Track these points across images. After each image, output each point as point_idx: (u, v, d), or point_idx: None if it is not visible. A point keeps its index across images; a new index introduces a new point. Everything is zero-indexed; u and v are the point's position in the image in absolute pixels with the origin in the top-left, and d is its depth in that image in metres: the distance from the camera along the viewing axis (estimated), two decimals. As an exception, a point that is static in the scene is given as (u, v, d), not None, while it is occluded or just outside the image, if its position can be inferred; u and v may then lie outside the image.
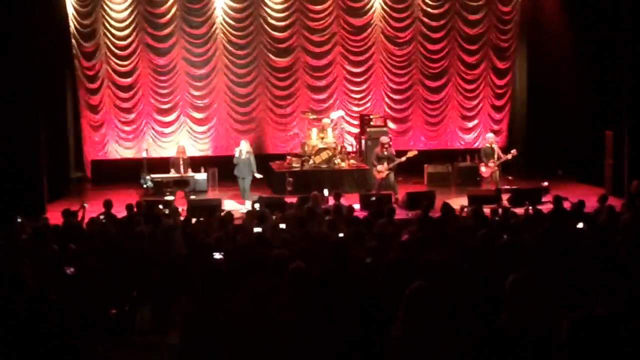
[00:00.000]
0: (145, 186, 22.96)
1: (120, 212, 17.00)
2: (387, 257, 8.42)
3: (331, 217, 14.99)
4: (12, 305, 7.65)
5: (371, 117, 25.69)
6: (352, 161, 24.65)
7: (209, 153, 26.87)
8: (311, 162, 23.91)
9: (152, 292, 10.17)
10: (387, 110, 27.55)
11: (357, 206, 18.89)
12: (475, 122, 28.21)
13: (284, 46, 27.08)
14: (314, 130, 24.53)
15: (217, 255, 10.47)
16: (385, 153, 21.73)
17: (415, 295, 6.05)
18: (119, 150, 26.62)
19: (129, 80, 26.43)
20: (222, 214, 16.47)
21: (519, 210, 16.53)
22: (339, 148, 24.38)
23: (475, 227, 13.09)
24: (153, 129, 26.77)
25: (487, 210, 15.51)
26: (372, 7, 27.28)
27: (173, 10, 26.29)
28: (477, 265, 8.84)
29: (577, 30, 24.95)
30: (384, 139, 22.08)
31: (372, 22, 27.39)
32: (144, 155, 24.13)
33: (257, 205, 18.28)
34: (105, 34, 26.04)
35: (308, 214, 15.08)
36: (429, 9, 27.46)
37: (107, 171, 26.12)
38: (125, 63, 26.32)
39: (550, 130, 26.98)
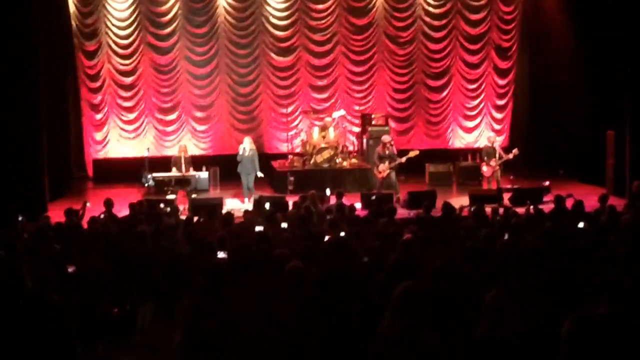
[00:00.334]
0: (146, 185, 22.99)
1: (121, 211, 17.03)
2: (389, 257, 8.43)
3: (333, 217, 14.99)
4: (11, 305, 7.65)
5: (373, 116, 25.67)
6: (353, 160, 24.64)
7: (211, 152, 26.88)
8: (312, 161, 23.92)
9: (154, 291, 10.17)
10: (389, 109, 27.54)
11: (358, 205, 18.89)
12: (477, 121, 28.21)
13: (285, 45, 27.09)
14: (316, 130, 24.54)
15: (221, 254, 10.47)
16: (387, 152, 21.72)
17: (403, 295, 6.09)
18: (120, 149, 26.62)
19: (130, 79, 26.45)
20: (224, 213, 16.47)
21: (520, 210, 16.53)
22: (341, 147, 24.38)
23: (476, 226, 13.10)
24: (155, 127, 26.79)
25: (488, 209, 15.52)
26: (374, 6, 27.28)
27: (175, 9, 26.30)
28: (479, 265, 8.84)
29: (578, 30, 24.94)
30: (385, 138, 22.07)
31: (374, 21, 27.39)
32: (146, 154, 24.13)
33: (267, 205, 18.24)
34: (107, 33, 26.05)
35: (306, 213, 15.07)
36: (430, 9, 27.47)
37: (108, 170, 26.12)
38: (127, 62, 26.33)
39: (551, 129, 27.01)
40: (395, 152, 22.03)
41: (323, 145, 24.02)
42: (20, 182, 19.66)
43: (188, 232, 13.34)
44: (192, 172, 23.02)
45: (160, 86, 26.68)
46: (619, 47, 22.12)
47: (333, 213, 15.80)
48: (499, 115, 28.28)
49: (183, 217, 16.99)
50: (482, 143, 25.67)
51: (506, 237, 11.52)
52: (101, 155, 26.61)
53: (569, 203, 16.03)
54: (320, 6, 27.08)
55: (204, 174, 23.75)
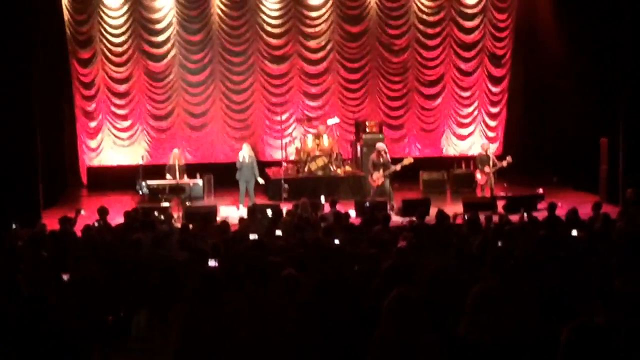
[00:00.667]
0: (141, 193, 23.00)
1: (115, 219, 17.04)
2: (383, 264, 8.46)
3: (327, 224, 15.01)
4: (6, 311, 7.67)
5: (367, 123, 25.70)
6: (347, 168, 24.69)
7: (205, 159, 26.86)
8: (307, 168, 23.96)
9: (148, 298, 10.18)
10: (383, 116, 27.57)
11: (352, 213, 18.91)
12: (471, 129, 28.25)
13: (279, 53, 27.13)
14: (310, 137, 24.59)
15: (212, 263, 10.50)
16: (381, 160, 21.73)
17: (397, 301, 6.11)
18: (114, 156, 26.62)
19: (124, 86, 26.46)
20: (219, 221, 16.49)
21: (514, 218, 16.57)
22: (335, 155, 24.41)
23: (470, 234, 13.13)
24: (149, 135, 26.79)
25: (482, 217, 15.54)
26: (367, 14, 27.34)
27: (169, 16, 26.34)
28: (473, 272, 8.87)
29: (571, 38, 25.00)
30: (380, 146, 22.08)
31: (367, 29, 27.45)
32: (141, 161, 24.14)
33: (269, 212, 18.27)
34: (101, 41, 26.06)
35: (300, 221, 15.10)
36: (424, 16, 27.53)
37: (102, 178, 26.12)
38: (121, 69, 26.35)
39: (545, 137, 27.07)
40: (389, 159, 22.05)
41: (317, 152, 24.08)
42: (15, 190, 19.67)
43: (183, 239, 13.34)
44: (186, 180, 23.03)
45: (154, 94, 26.70)
46: (612, 55, 22.18)
47: (327, 220, 15.82)
48: (492, 123, 28.32)
49: (177, 224, 17.00)
50: (475, 151, 25.70)
51: (500, 244, 11.55)
52: (95, 162, 26.61)
53: (562, 210, 16.07)
54: (315, 14, 27.13)
55: (198, 182, 23.76)
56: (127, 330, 8.75)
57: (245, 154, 22.31)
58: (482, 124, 28.26)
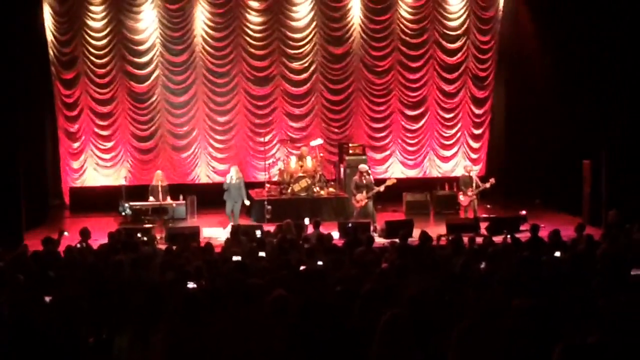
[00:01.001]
0: (124, 214, 22.94)
1: (98, 240, 16.96)
2: (365, 286, 8.45)
3: (310, 245, 14.99)
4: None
5: (350, 145, 25.72)
6: (331, 189, 24.69)
7: (188, 180, 26.83)
8: (290, 190, 23.96)
9: (131, 319, 10.14)
10: (366, 138, 27.62)
11: (336, 234, 18.90)
12: (454, 150, 28.32)
13: (263, 74, 27.15)
14: (293, 158, 24.61)
15: (191, 285, 10.49)
16: (364, 181, 21.75)
17: (389, 324, 6.09)
18: (97, 177, 26.56)
19: (108, 107, 26.43)
20: (202, 243, 16.46)
21: (497, 239, 16.58)
22: (318, 176, 24.41)
23: (453, 255, 13.13)
24: (132, 156, 26.74)
25: (465, 238, 15.54)
26: (351, 35, 27.42)
27: (153, 38, 26.36)
28: (456, 293, 8.86)
29: (554, 60, 25.14)
30: (362, 167, 22.11)
31: (351, 50, 27.52)
32: (123, 182, 24.08)
33: (258, 232, 18.34)
34: (84, 62, 26.03)
35: (284, 242, 15.07)
36: (408, 38, 27.62)
37: (85, 199, 26.02)
38: (105, 90, 26.31)
39: (528, 159, 27.11)
40: (372, 181, 22.06)
41: (300, 174, 24.07)
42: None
43: (165, 261, 13.30)
44: (169, 201, 22.99)
45: (137, 114, 26.67)
46: (594, 77, 22.31)
47: (310, 242, 15.80)
48: (475, 145, 28.39)
49: (161, 246, 16.94)
50: (459, 172, 25.72)
51: (483, 265, 11.56)
52: (78, 183, 26.53)
53: (545, 232, 16.10)
54: (298, 35, 27.19)
55: (181, 203, 23.72)
56: (109, 352, 8.69)
57: (233, 174, 22.37)
58: (465, 145, 28.32)
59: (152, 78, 26.55)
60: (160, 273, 12.05)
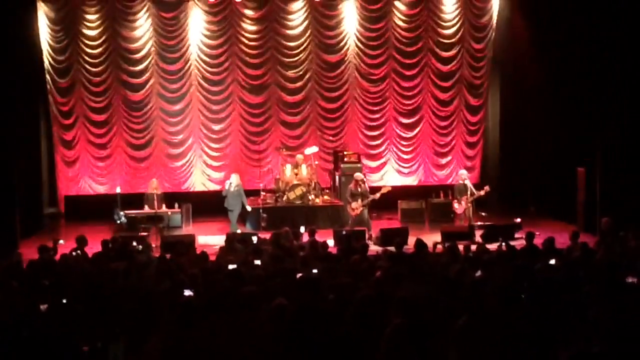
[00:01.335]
0: (119, 222, 22.90)
1: (93, 248, 16.94)
2: (358, 294, 8.46)
3: (305, 253, 15.00)
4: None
5: (345, 153, 25.73)
6: (326, 197, 24.70)
7: (183, 189, 26.84)
8: (285, 198, 23.96)
9: (125, 328, 10.14)
10: (361, 146, 27.64)
11: (331, 242, 18.91)
12: (449, 158, 28.32)
13: (258, 83, 27.17)
14: (288, 167, 24.59)
15: (187, 292, 10.48)
16: (360, 189, 21.78)
17: (396, 332, 6.09)
18: (92, 185, 26.56)
19: (103, 116, 26.44)
20: (198, 251, 16.45)
21: (492, 247, 16.59)
22: (313, 184, 24.42)
23: (448, 263, 13.14)
24: (127, 164, 26.73)
25: (460, 246, 15.56)
26: (346, 44, 27.45)
27: (148, 46, 26.38)
28: (451, 301, 8.87)
29: (548, 67, 25.18)
30: (358, 176, 22.16)
31: (346, 58, 27.54)
32: (118, 190, 24.07)
33: (254, 238, 18.40)
34: (79, 70, 26.05)
35: (282, 250, 15.09)
36: (402, 46, 27.64)
37: (80, 207, 26.00)
38: (100, 99, 26.32)
39: (522, 166, 27.13)
40: (367, 189, 22.09)
41: (295, 182, 24.07)
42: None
43: (160, 269, 13.29)
44: (164, 209, 22.98)
45: (132, 123, 26.67)
46: (588, 84, 22.34)
47: (306, 250, 15.81)
48: (470, 152, 28.40)
49: (156, 254, 16.92)
50: (453, 180, 25.77)
51: (478, 273, 11.56)
52: (73, 191, 26.50)
53: (540, 240, 16.12)
54: (293, 44, 27.21)
55: (176, 211, 23.72)
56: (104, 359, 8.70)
57: (233, 182, 22.46)
58: (459, 153, 28.32)
59: (147, 86, 26.56)
60: (154, 281, 12.05)
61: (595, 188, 21.74)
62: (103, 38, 26.13)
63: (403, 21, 27.60)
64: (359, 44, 27.51)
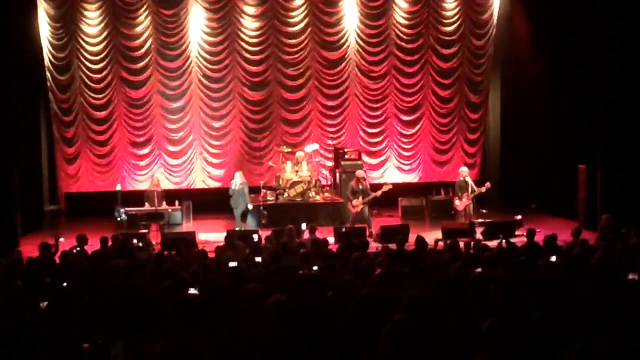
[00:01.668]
0: (119, 219, 22.90)
1: (94, 246, 16.92)
2: (360, 291, 8.45)
3: (306, 251, 14.99)
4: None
5: (346, 150, 25.71)
6: (326, 194, 24.68)
7: (184, 186, 26.84)
8: (286, 195, 23.93)
9: (126, 326, 10.13)
10: (362, 143, 27.64)
11: (331, 239, 18.89)
12: (449, 155, 28.29)
13: (258, 80, 27.15)
14: (289, 164, 24.56)
15: (192, 290, 10.46)
16: (361, 187, 21.78)
17: (397, 329, 6.05)
18: (93, 183, 26.54)
19: (103, 113, 26.42)
20: (198, 249, 16.46)
21: (493, 244, 16.57)
22: (314, 181, 24.40)
23: (449, 260, 13.13)
24: (127, 161, 26.72)
25: (461, 243, 15.55)
26: (346, 41, 27.44)
27: (148, 43, 26.37)
28: (452, 298, 8.86)
29: (549, 64, 25.18)
30: (359, 173, 22.16)
31: (346, 56, 27.53)
32: (118, 188, 24.06)
33: (255, 236, 18.43)
34: (79, 67, 26.04)
35: (283, 248, 15.08)
36: (403, 44, 27.64)
37: (81, 204, 26.02)
38: (100, 96, 26.31)
39: (523, 163, 27.11)
40: (368, 186, 22.08)
41: (296, 179, 24.04)
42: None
43: (160, 267, 13.28)
44: (164, 206, 22.97)
45: (133, 120, 26.67)
46: (589, 81, 22.32)
47: (306, 247, 15.80)
48: (471, 149, 28.38)
49: (156, 251, 16.91)
50: (454, 177, 25.75)
51: (479, 270, 11.54)
52: (73, 189, 26.49)
53: (540, 237, 16.11)
54: (293, 41, 27.21)
55: (176, 208, 23.72)
56: (105, 358, 8.68)
57: (237, 180, 22.55)
58: (460, 150, 28.30)
59: (148, 83, 26.57)
60: (153, 279, 12.03)
61: (596, 185, 21.73)
62: (103, 35, 26.14)
63: (404, 18, 27.61)
64: (359, 41, 27.50)
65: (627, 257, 13.24)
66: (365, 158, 26.63)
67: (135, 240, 17.83)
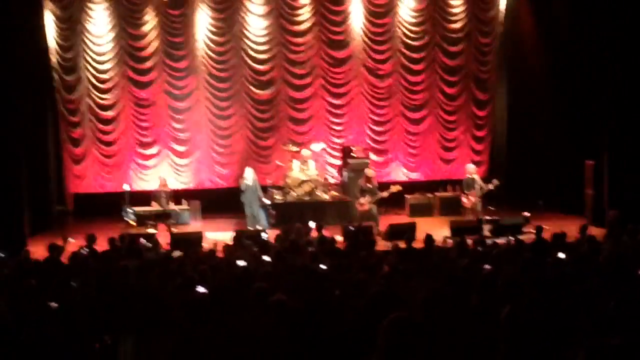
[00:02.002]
0: (127, 219, 22.93)
1: (102, 246, 16.94)
2: (367, 289, 8.45)
3: (314, 249, 15.01)
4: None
5: (353, 148, 25.70)
6: (334, 193, 24.65)
7: (191, 186, 26.85)
8: (293, 194, 23.93)
9: (135, 325, 10.16)
10: (369, 141, 27.63)
11: (339, 238, 18.90)
12: (456, 153, 28.29)
13: (265, 79, 27.15)
14: (296, 163, 24.54)
15: (201, 289, 10.47)
16: (369, 186, 21.80)
17: (393, 327, 6.05)
18: (100, 183, 26.56)
19: (110, 113, 26.44)
20: (206, 248, 16.49)
21: (501, 241, 16.58)
22: (321, 180, 24.39)
23: (459, 257, 13.14)
24: (135, 162, 26.74)
25: (470, 240, 15.55)
26: (353, 39, 27.43)
27: (155, 43, 26.39)
28: (462, 296, 8.86)
29: (555, 61, 25.15)
30: (369, 172, 22.19)
31: (353, 54, 27.53)
32: (126, 188, 24.09)
33: (264, 235, 18.45)
34: (86, 67, 26.06)
35: (291, 246, 15.10)
36: (409, 41, 27.64)
37: (89, 204, 26.02)
38: (107, 96, 26.33)
39: (530, 160, 27.08)
40: (377, 185, 22.11)
41: (303, 178, 24.04)
42: (0, 217, 19.59)
43: (168, 266, 13.30)
44: (172, 206, 23.00)
45: (140, 120, 26.69)
46: (596, 78, 22.32)
47: (314, 245, 15.81)
48: (478, 147, 28.38)
49: (164, 251, 16.94)
50: (462, 174, 25.75)
51: (487, 267, 11.55)
52: (81, 189, 26.52)
53: (548, 234, 16.11)
54: (300, 39, 27.22)
55: (184, 208, 23.75)
56: (114, 357, 8.72)
57: (248, 176, 22.60)
58: (468, 147, 28.29)
59: (154, 84, 26.58)
60: (163, 278, 12.05)
61: (604, 181, 21.72)
62: (110, 36, 26.15)
63: (409, 16, 27.62)
64: (365, 39, 27.51)
65: (635, 252, 13.23)
66: (372, 156, 26.60)
67: (143, 240, 17.88)
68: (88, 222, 23.54)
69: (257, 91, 27.17)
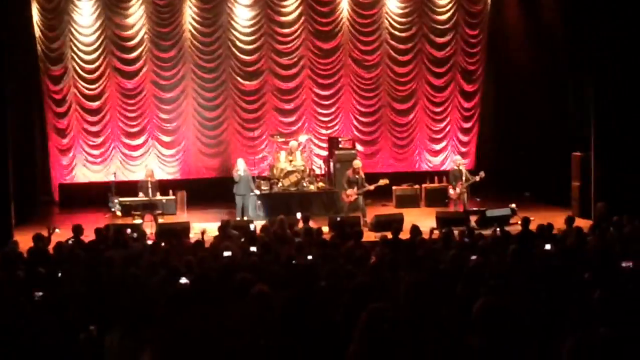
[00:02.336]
0: (113, 210, 22.88)
1: (88, 236, 16.89)
2: (354, 280, 8.45)
3: (300, 240, 15.00)
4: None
5: (340, 139, 25.66)
6: (320, 184, 24.61)
7: (178, 176, 26.81)
8: (280, 185, 23.89)
9: (121, 316, 10.14)
10: (356, 132, 27.63)
11: (326, 229, 18.91)
12: (443, 144, 28.32)
13: (252, 69, 27.11)
14: (283, 153, 24.51)
15: (183, 280, 10.47)
16: (357, 177, 21.79)
17: (371, 318, 6.04)
18: (86, 173, 26.49)
19: (97, 103, 26.35)
20: (193, 239, 16.47)
21: (487, 232, 16.60)
22: (308, 171, 24.36)
23: (444, 248, 13.15)
24: (121, 152, 26.68)
25: (456, 232, 15.57)
26: (340, 30, 27.41)
27: (141, 33, 26.31)
28: (447, 286, 8.87)
29: (543, 53, 25.17)
30: (356, 163, 22.15)
31: (340, 45, 27.51)
32: (112, 178, 24.04)
33: (252, 226, 18.42)
34: (72, 58, 25.96)
35: (275, 237, 15.09)
36: (396, 32, 27.63)
37: (75, 195, 25.95)
38: (93, 86, 26.24)
39: (517, 151, 27.11)
40: (364, 177, 22.09)
41: (290, 169, 24.00)
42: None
43: (155, 257, 13.27)
44: (159, 197, 22.94)
45: (126, 110, 26.61)
46: (583, 70, 22.34)
47: (300, 237, 15.81)
48: (465, 138, 28.41)
49: (150, 242, 16.89)
50: (448, 166, 25.79)
51: (473, 258, 11.56)
52: (67, 179, 26.44)
53: (535, 225, 16.14)
54: (286, 30, 27.18)
55: (171, 199, 23.70)
56: (100, 347, 8.69)
57: (240, 167, 22.53)
58: (454, 139, 28.32)
59: (141, 74, 26.51)
60: (149, 269, 12.03)
61: (590, 173, 21.75)
62: (96, 26, 26.04)
63: (397, 7, 27.60)
64: (352, 31, 27.49)
65: (622, 244, 13.27)
66: (359, 147, 26.58)
67: (129, 231, 17.82)
68: (74, 213, 23.49)
69: (244, 82, 27.13)
